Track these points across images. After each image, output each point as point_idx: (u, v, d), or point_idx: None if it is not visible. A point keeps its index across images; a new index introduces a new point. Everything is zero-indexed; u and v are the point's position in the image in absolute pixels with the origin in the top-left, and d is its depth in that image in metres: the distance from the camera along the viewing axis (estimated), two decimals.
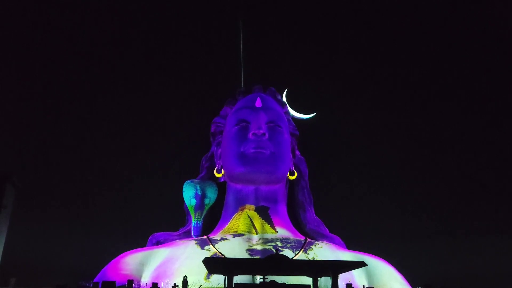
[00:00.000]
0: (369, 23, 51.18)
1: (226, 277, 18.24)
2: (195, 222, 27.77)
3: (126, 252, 25.28)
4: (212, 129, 31.15)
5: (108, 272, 23.72)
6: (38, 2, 46.74)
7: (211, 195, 28.49)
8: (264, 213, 27.42)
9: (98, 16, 48.74)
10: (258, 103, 29.19)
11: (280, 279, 19.39)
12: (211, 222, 28.62)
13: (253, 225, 26.80)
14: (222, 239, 25.89)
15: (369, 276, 24.61)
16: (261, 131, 27.21)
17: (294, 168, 29.87)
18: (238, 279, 18.79)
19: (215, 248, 24.81)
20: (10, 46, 45.44)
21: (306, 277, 19.59)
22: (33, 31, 46.51)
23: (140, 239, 28.79)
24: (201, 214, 27.97)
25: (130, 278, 22.08)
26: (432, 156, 49.02)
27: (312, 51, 50.51)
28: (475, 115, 49.54)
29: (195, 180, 29.04)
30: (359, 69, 50.69)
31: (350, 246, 28.52)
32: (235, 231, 26.68)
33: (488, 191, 46.03)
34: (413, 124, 50.08)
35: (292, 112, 33.41)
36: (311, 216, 29.62)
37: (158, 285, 21.28)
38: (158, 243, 27.65)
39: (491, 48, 49.45)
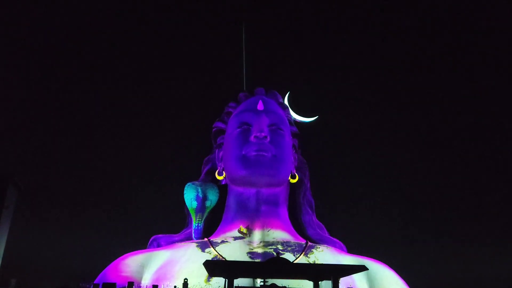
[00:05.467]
0: (372, 24, 51.22)
1: (227, 280, 18.21)
2: (196, 224, 27.69)
3: (126, 254, 25.25)
4: (214, 131, 31.15)
5: (109, 274, 23.69)
6: (38, 1, 46.92)
7: (212, 197, 28.39)
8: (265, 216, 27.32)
9: (99, 15, 48.88)
10: (260, 106, 29.17)
11: (280, 282, 19.38)
12: (212, 225, 28.60)
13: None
14: (223, 241, 25.89)
15: (370, 281, 24.56)
16: (263, 134, 27.16)
17: (296, 171, 29.87)
18: (239, 282, 18.77)
19: (216, 250, 24.80)
20: (11, 47, 45.60)
21: (307, 281, 19.55)
22: (32, 31, 46.66)
23: (141, 241, 28.79)
24: (202, 216, 27.89)
25: (131, 280, 22.07)
26: (435, 158, 48.91)
27: (315, 54, 50.62)
28: (477, 116, 49.38)
29: (197, 183, 28.99)
30: (361, 71, 50.78)
31: (351, 250, 28.47)
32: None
33: (492, 195, 45.85)
34: (415, 126, 50.01)
35: (294, 115, 33.43)
36: (312, 219, 29.53)
37: (159, 287, 21.27)
38: (159, 245, 27.63)
39: (493, 47, 49.34)
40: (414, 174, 47.69)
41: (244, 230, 26.55)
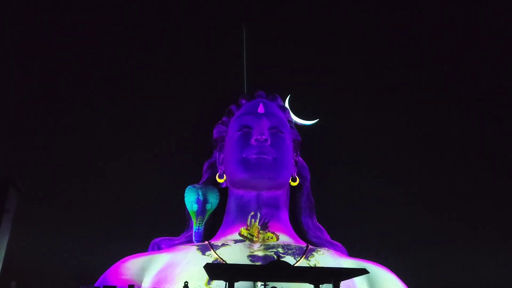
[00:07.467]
0: (373, 25, 51.16)
1: (227, 283, 18.15)
2: (197, 227, 27.65)
3: (127, 257, 25.19)
4: (215, 134, 31.15)
5: (109, 277, 23.63)
6: (37, 1, 46.90)
7: (213, 200, 28.34)
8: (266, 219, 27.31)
9: (99, 15, 48.86)
10: (261, 109, 29.14)
11: (281, 285, 19.33)
12: (212, 228, 28.55)
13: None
14: (223, 244, 25.83)
15: (371, 284, 24.40)
16: (264, 137, 27.15)
17: (296, 174, 29.80)
18: (239, 285, 18.69)
19: (216, 253, 24.73)
20: (10, 47, 45.59)
21: (308, 284, 19.48)
22: (32, 31, 46.63)
23: (141, 244, 28.76)
24: (203, 219, 27.86)
25: (131, 283, 22.03)
26: (436, 160, 48.75)
27: (316, 56, 50.58)
28: (479, 116, 49.21)
29: (197, 185, 28.97)
30: (362, 73, 50.71)
31: (352, 253, 28.39)
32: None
33: (492, 196, 45.66)
34: (415, 128, 49.93)
35: (295, 118, 33.40)
36: (313, 222, 29.51)
37: None
38: (159, 248, 27.60)
39: (494, 47, 49.17)
40: (415, 175, 47.63)
41: (245, 232, 26.42)
